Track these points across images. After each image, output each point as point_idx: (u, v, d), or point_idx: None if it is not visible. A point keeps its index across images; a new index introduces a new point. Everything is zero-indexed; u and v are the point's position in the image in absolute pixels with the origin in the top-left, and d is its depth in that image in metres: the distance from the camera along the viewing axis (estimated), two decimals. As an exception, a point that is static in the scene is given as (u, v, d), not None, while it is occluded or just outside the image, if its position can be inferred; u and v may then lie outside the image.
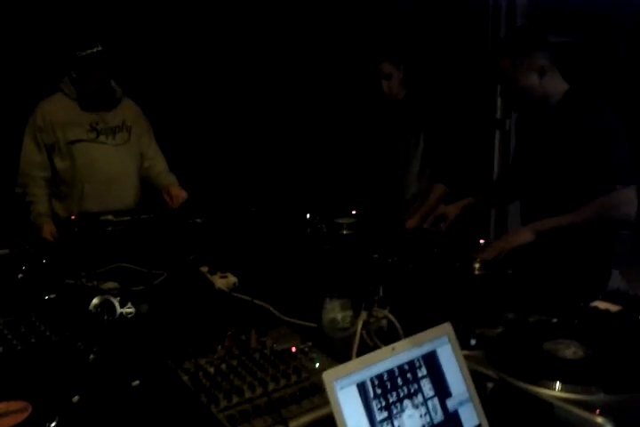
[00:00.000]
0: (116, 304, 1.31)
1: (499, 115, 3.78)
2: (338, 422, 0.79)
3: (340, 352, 1.16)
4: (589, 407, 0.90)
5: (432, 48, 3.47)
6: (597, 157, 1.70)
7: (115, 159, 2.49)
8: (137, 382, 1.05)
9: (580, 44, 4.19)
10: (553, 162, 1.82)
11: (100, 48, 2.27)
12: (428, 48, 3.42)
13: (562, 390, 0.96)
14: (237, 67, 3.47)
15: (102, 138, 2.46)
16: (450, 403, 0.91)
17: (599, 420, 0.87)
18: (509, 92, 1.85)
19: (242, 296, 1.53)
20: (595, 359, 1.04)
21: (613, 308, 1.25)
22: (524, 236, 1.71)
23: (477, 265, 1.63)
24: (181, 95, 3.35)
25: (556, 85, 1.83)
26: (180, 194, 2.46)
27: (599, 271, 1.84)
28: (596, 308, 1.27)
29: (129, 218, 2.24)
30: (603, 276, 1.85)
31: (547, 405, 0.94)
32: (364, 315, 1.24)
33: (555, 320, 1.22)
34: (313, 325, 1.27)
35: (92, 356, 1.11)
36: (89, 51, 2.26)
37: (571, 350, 1.07)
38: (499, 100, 3.70)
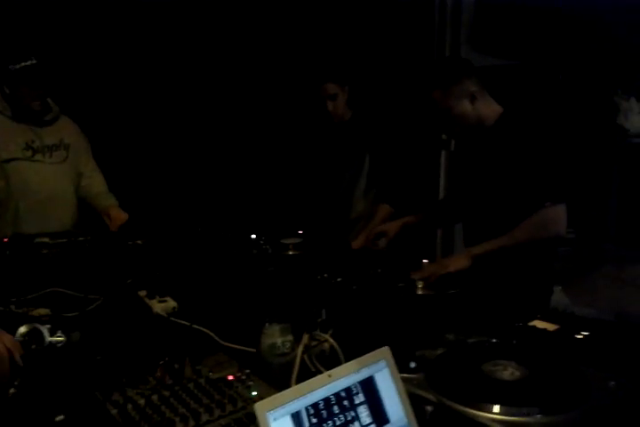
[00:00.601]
0: (45, 332, 1.23)
1: (444, 135, 3.85)
2: (270, 455, 0.76)
3: (279, 379, 1.12)
4: (525, 431, 0.89)
5: (377, 70, 3.52)
6: (528, 175, 1.75)
7: (51, 178, 2.40)
8: (61, 417, 0.99)
9: (520, 67, 4.35)
10: (489, 183, 1.86)
11: (34, 61, 2.19)
12: (374, 70, 3.46)
13: (500, 412, 0.95)
14: (175, 91, 3.42)
15: (38, 156, 2.37)
16: (388, 430, 0.89)
17: (536, 443, 0.87)
18: (445, 120, 1.89)
19: (180, 321, 1.47)
20: (532, 380, 1.04)
21: (551, 327, 1.27)
22: (460, 262, 1.72)
23: (420, 285, 1.64)
24: (119, 113, 3.27)
25: (489, 109, 1.88)
26: (119, 216, 2.39)
27: (540, 289, 1.87)
28: (534, 327, 1.28)
29: (65, 240, 2.15)
30: (544, 293, 1.88)
31: (485, 428, 0.93)
32: (305, 339, 1.21)
33: (494, 341, 1.23)
34: (252, 350, 1.24)
35: (11, 390, 1.04)
36: (22, 64, 2.18)
37: (508, 371, 1.07)
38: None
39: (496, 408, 0.96)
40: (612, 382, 1.01)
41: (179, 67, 3.41)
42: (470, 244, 1.85)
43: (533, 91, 4.21)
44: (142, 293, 1.64)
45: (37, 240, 2.13)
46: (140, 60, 3.31)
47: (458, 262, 1.72)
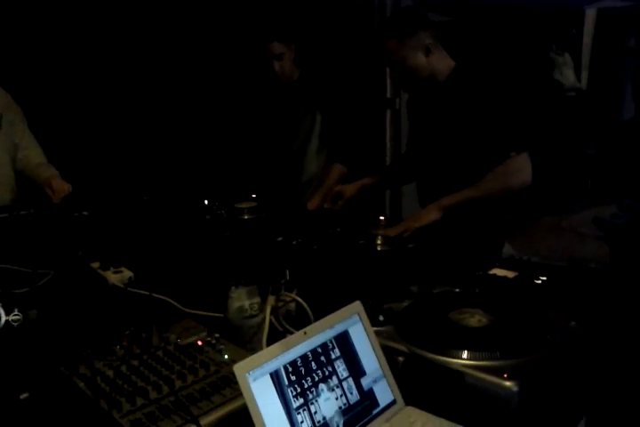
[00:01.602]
0: (1, 312, 1.18)
1: (389, 94, 3.86)
2: (253, 415, 0.76)
3: (249, 341, 1.12)
4: (497, 372, 0.92)
5: (322, 28, 3.45)
6: (489, 126, 1.76)
7: (-16, 151, 2.26)
8: (26, 395, 0.95)
9: (459, 23, 4.37)
10: (448, 137, 1.87)
11: None
12: (318, 28, 3.39)
13: (470, 358, 0.97)
14: (110, 43, 3.24)
15: (-32, 128, 2.23)
16: (364, 382, 0.91)
17: (507, 383, 0.90)
18: (399, 72, 1.87)
19: (139, 291, 1.43)
20: (498, 326, 1.07)
21: (510, 274, 1.31)
22: (432, 214, 1.75)
23: (379, 242, 1.65)
24: (52, 77, 3.08)
25: (443, 63, 1.88)
26: (62, 187, 2.27)
27: (494, 240, 1.92)
28: (494, 275, 1.31)
29: (6, 215, 2.04)
30: (498, 244, 1.93)
31: (457, 374, 0.95)
32: (271, 300, 1.21)
33: (457, 290, 1.25)
34: (219, 315, 1.22)
35: (-30, 370, 0.99)
36: None
37: (475, 319, 1.09)
38: (388, 79, 3.77)
39: (465, 354, 0.98)
40: (573, 323, 1.05)
41: (112, 16, 3.22)
42: (428, 201, 1.86)
43: (475, 46, 4.25)
44: (95, 264, 1.59)
45: (-25, 217, 2.01)
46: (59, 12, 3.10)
47: (431, 215, 1.74)
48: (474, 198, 1.78)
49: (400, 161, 2.31)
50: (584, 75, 6.38)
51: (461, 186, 1.78)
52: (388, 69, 3.68)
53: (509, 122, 1.77)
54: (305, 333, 0.87)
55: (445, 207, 1.77)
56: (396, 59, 1.82)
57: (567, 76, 6.26)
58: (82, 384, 0.96)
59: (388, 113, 3.91)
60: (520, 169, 1.77)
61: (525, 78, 5.18)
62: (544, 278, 1.27)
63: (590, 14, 6.02)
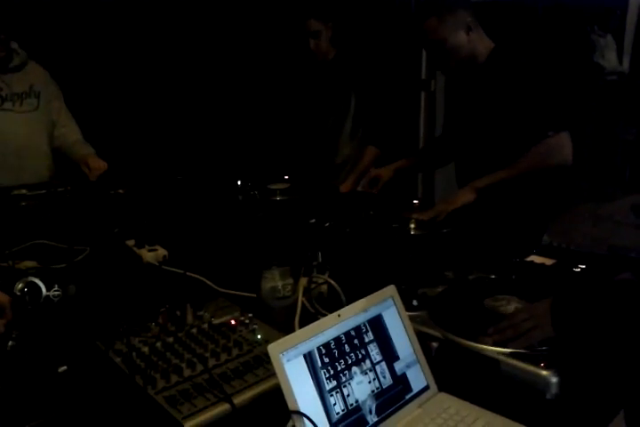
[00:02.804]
0: (42, 287, 1.20)
1: (424, 75, 3.79)
2: (286, 395, 0.76)
3: (281, 321, 1.12)
4: (534, 361, 0.90)
5: (359, 8, 3.39)
6: (528, 106, 1.73)
7: (23, 128, 2.30)
8: (64, 368, 0.97)
9: (498, 3, 4.25)
10: (487, 119, 1.83)
11: None
12: (355, 8, 3.34)
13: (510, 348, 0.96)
14: (161, 28, 3.24)
15: (7, 105, 2.26)
16: (397, 366, 0.90)
17: (544, 372, 0.88)
18: (438, 52, 1.82)
19: (173, 269, 1.45)
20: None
21: (548, 261, 1.28)
22: (465, 196, 1.72)
23: (413, 226, 1.63)
24: (91, 57, 3.10)
25: (483, 43, 1.83)
26: (98, 164, 2.30)
27: (536, 226, 1.88)
28: (532, 262, 1.29)
29: (44, 191, 2.08)
30: (539, 230, 1.89)
31: (492, 361, 0.94)
32: (303, 281, 1.21)
33: (493, 277, 1.23)
34: (252, 295, 1.22)
35: (10, 343, 1.02)
36: None
37: (511, 306, 1.08)
38: (424, 60, 3.70)
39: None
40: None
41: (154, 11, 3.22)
42: (466, 182, 1.83)
43: (514, 27, 4.13)
44: (130, 242, 1.61)
45: (15, 192, 2.05)
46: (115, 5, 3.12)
47: (464, 197, 1.72)
48: (508, 178, 1.74)
49: (435, 143, 2.27)
50: (626, 58, 6.16)
51: (500, 167, 1.75)
52: (424, 53, 3.64)
53: (548, 101, 1.74)
54: (339, 315, 0.86)
55: (479, 188, 1.74)
56: (436, 38, 1.76)
57: (609, 59, 6.05)
58: (118, 360, 0.98)
59: (423, 95, 3.85)
60: (559, 148, 1.73)
61: (564, 61, 5.03)
62: (583, 266, 1.24)
63: (635, -5, 5.79)
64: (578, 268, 1.24)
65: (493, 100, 1.79)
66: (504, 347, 0.94)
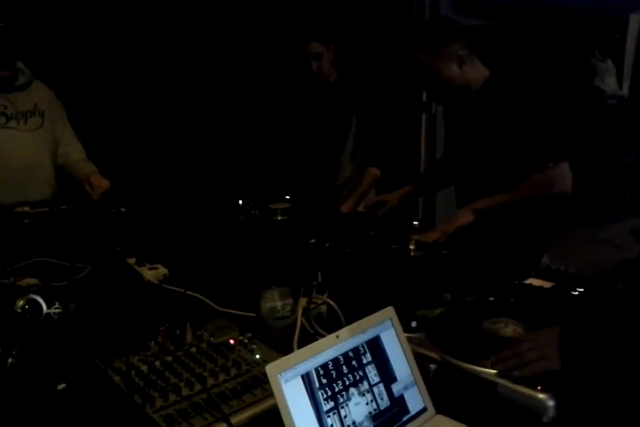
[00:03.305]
0: (43, 304, 1.21)
1: (425, 97, 3.83)
2: (284, 416, 0.76)
3: (280, 342, 1.12)
4: (531, 384, 0.91)
5: (360, 31, 3.45)
6: (525, 138, 1.73)
7: (27, 146, 2.32)
8: (63, 386, 0.98)
9: (498, 27, 4.31)
10: (484, 147, 1.84)
11: (0, 24, 2.09)
12: (357, 30, 3.39)
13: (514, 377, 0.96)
14: (156, 51, 3.30)
15: (12, 123, 2.28)
16: (395, 388, 0.90)
17: (541, 396, 0.88)
18: (431, 84, 1.85)
19: (174, 288, 1.45)
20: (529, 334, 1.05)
21: (546, 284, 1.28)
22: (465, 217, 1.73)
23: (413, 247, 1.64)
24: (96, 77, 3.15)
25: (477, 73, 1.84)
26: (101, 183, 2.32)
27: (534, 249, 1.89)
28: (530, 285, 1.29)
29: (47, 209, 2.10)
30: (538, 253, 1.90)
31: (490, 384, 0.94)
32: (303, 302, 1.21)
33: (492, 299, 1.24)
34: (251, 315, 1.23)
35: (10, 360, 1.02)
36: None
37: (509, 329, 1.08)
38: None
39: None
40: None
41: (157, 25, 3.28)
42: (465, 204, 1.84)
43: (513, 51, 4.18)
44: (131, 260, 1.62)
45: (17, 210, 2.07)
46: (116, 22, 3.18)
47: (463, 218, 1.73)
48: (506, 203, 1.76)
49: (436, 167, 2.29)
50: (626, 82, 6.23)
51: (498, 191, 1.77)
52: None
53: (547, 132, 1.74)
54: (337, 336, 0.87)
55: (477, 210, 1.75)
56: (429, 70, 1.79)
57: (609, 83, 6.12)
58: (117, 378, 0.98)
59: (424, 117, 3.89)
60: (559, 178, 1.74)
61: (565, 85, 5.09)
62: (581, 290, 1.25)
63: (635, 20, 5.88)
64: (576, 291, 1.24)
65: (490, 129, 1.81)
66: (507, 377, 0.93)
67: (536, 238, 1.90)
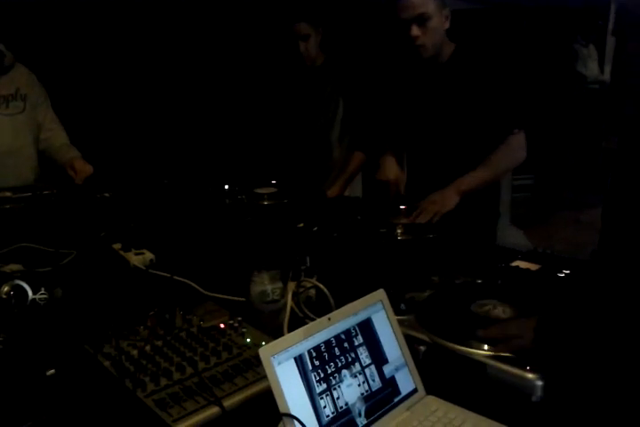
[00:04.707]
0: (28, 290, 1.20)
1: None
2: (277, 398, 0.76)
3: (270, 325, 1.12)
4: (520, 364, 0.92)
5: (348, 14, 3.42)
6: (497, 103, 1.80)
7: (8, 131, 2.28)
8: (52, 371, 0.97)
9: (483, 11, 4.31)
10: (450, 116, 1.86)
11: None
12: (345, 14, 3.36)
13: (492, 349, 0.97)
14: (145, 25, 3.23)
15: (-7, 107, 2.24)
16: (386, 369, 0.91)
17: (530, 375, 0.90)
18: (421, 31, 1.79)
19: (161, 273, 1.45)
20: (521, 318, 1.06)
21: (533, 267, 1.30)
22: (453, 199, 1.75)
23: (400, 231, 1.64)
24: (78, 60, 3.09)
25: (448, 40, 1.88)
26: (84, 168, 2.28)
27: (489, 224, 1.97)
28: (517, 267, 1.31)
29: (29, 194, 2.06)
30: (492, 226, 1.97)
31: (479, 364, 0.95)
32: (292, 285, 1.21)
33: (479, 281, 1.25)
34: (241, 299, 1.23)
35: (-3, 346, 1.01)
36: None
37: (497, 310, 1.09)
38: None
39: (487, 345, 0.98)
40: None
41: (143, 7, 3.21)
42: (429, 180, 1.86)
43: (498, 36, 4.19)
44: (117, 246, 1.61)
45: (-1, 195, 2.03)
46: (99, 2, 3.11)
47: (453, 200, 1.75)
48: (488, 180, 1.82)
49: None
50: (607, 67, 6.28)
51: (465, 163, 1.81)
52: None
53: (514, 98, 1.82)
54: (329, 319, 0.87)
55: (465, 192, 1.77)
56: (425, 12, 1.75)
57: (591, 68, 6.16)
58: (107, 363, 0.98)
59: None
60: (522, 146, 1.83)
61: (548, 69, 5.11)
62: (567, 272, 1.26)
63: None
64: (562, 273, 1.26)
65: (457, 97, 1.84)
66: (489, 345, 0.97)
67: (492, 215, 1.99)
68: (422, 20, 1.76)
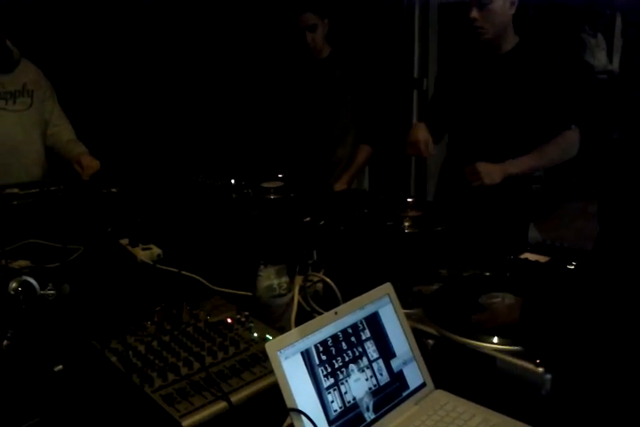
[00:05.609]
0: (36, 286, 1.20)
1: (416, 74, 3.79)
2: (284, 393, 0.76)
3: (277, 320, 1.12)
4: (529, 358, 0.91)
5: (353, 7, 3.39)
6: (556, 99, 1.78)
7: (16, 127, 2.27)
8: (60, 367, 0.97)
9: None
10: (504, 108, 1.84)
11: None
12: (350, 6, 3.33)
13: (501, 342, 0.97)
14: (149, 20, 3.21)
15: (1, 103, 2.24)
16: (394, 363, 0.90)
17: (539, 369, 0.89)
18: (480, 13, 1.76)
19: (168, 268, 1.44)
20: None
21: (542, 259, 1.29)
22: (498, 175, 1.72)
23: (407, 224, 1.63)
24: (85, 56, 3.08)
25: (512, 30, 1.84)
26: (91, 163, 2.28)
27: (520, 223, 1.90)
28: (526, 259, 1.29)
29: (37, 190, 2.06)
30: (523, 228, 1.91)
31: (488, 358, 0.94)
32: (299, 280, 1.21)
33: (488, 274, 1.24)
34: (247, 294, 1.22)
35: (5, 342, 1.01)
36: None
37: (506, 303, 1.08)
38: (416, 59, 3.71)
39: (497, 339, 0.97)
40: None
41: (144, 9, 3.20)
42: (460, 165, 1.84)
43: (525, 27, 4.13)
44: (124, 241, 1.61)
45: (7, 191, 2.03)
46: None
47: (496, 175, 1.72)
48: (535, 168, 1.82)
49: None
50: (616, 57, 6.20)
51: (513, 153, 1.79)
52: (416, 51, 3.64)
53: (575, 96, 1.81)
54: (336, 313, 0.87)
55: (510, 174, 1.75)
56: None
57: (599, 58, 6.08)
58: (114, 358, 0.98)
59: (415, 94, 3.85)
60: (576, 142, 1.81)
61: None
62: (576, 264, 1.25)
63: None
64: (571, 265, 1.24)
65: (514, 91, 1.82)
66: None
67: (524, 211, 1.94)
68: (483, 2, 1.72)
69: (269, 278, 1.13)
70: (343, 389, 0.82)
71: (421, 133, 1.96)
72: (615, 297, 0.89)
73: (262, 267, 1.14)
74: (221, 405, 0.86)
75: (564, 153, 1.82)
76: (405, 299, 1.09)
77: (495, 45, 1.84)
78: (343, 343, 0.86)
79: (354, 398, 0.83)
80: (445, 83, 2.10)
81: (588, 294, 0.92)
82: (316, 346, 0.82)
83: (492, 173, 1.72)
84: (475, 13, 1.75)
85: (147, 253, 1.52)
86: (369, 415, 0.83)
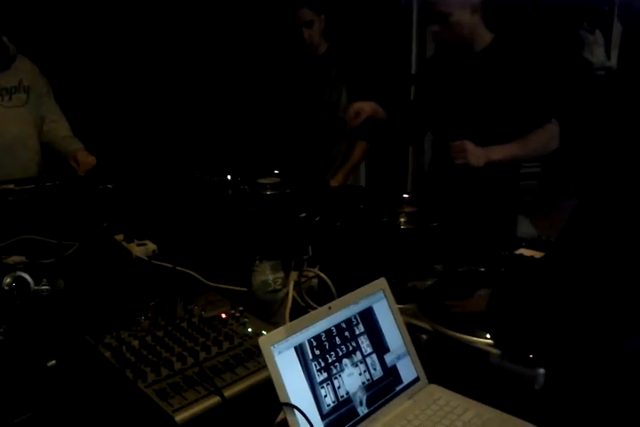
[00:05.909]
0: (30, 281, 1.19)
1: (413, 70, 3.79)
2: (277, 388, 0.76)
3: (272, 315, 1.12)
4: (522, 353, 0.91)
5: (349, 3, 3.38)
6: (534, 94, 1.77)
7: (12, 123, 2.27)
8: (53, 362, 0.97)
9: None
10: (483, 104, 1.83)
11: None
12: (346, 2, 3.32)
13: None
14: (146, 16, 3.20)
15: (-4, 100, 2.23)
16: (388, 358, 0.90)
17: (532, 364, 0.89)
18: (441, 27, 1.77)
19: (163, 264, 1.44)
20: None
21: (537, 254, 1.29)
22: (481, 159, 1.70)
23: (403, 220, 1.63)
24: (81, 52, 3.07)
25: (483, 30, 1.82)
26: (87, 159, 2.27)
27: (507, 218, 1.93)
28: (521, 255, 1.29)
29: (32, 186, 2.06)
30: (511, 222, 1.93)
31: (482, 353, 0.94)
32: (294, 275, 1.21)
33: (482, 269, 1.24)
34: (242, 289, 1.22)
35: (-2, 337, 1.01)
36: None
37: (501, 298, 1.08)
38: (413, 55, 3.71)
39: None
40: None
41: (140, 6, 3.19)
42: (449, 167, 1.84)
43: (503, 23, 4.13)
44: (119, 237, 1.60)
45: (2, 187, 2.03)
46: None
47: (480, 158, 1.69)
48: (517, 156, 1.80)
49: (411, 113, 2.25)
50: (614, 53, 6.20)
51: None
52: (414, 47, 3.64)
53: (552, 90, 1.80)
54: (329, 308, 0.87)
55: (492, 161, 1.73)
56: (442, 11, 1.72)
57: (597, 54, 6.08)
58: (107, 354, 0.98)
59: (413, 90, 3.85)
60: (556, 136, 1.81)
61: (555, 56, 5.05)
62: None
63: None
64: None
65: (493, 87, 1.81)
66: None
67: (511, 209, 1.96)
68: (442, 16, 1.73)
69: (264, 274, 1.13)
70: (336, 383, 0.82)
71: (353, 106, 2.00)
72: (578, 289, 0.89)
73: (257, 262, 1.14)
74: (215, 399, 0.86)
75: (546, 145, 1.82)
76: (400, 294, 1.09)
77: (466, 46, 1.83)
78: (337, 338, 0.86)
79: (347, 393, 0.83)
80: (425, 81, 2.10)
81: (552, 282, 0.93)
82: (309, 341, 0.82)
83: (477, 154, 1.71)
84: (436, 28, 1.76)
85: (142, 249, 1.51)
86: (362, 410, 0.83)
